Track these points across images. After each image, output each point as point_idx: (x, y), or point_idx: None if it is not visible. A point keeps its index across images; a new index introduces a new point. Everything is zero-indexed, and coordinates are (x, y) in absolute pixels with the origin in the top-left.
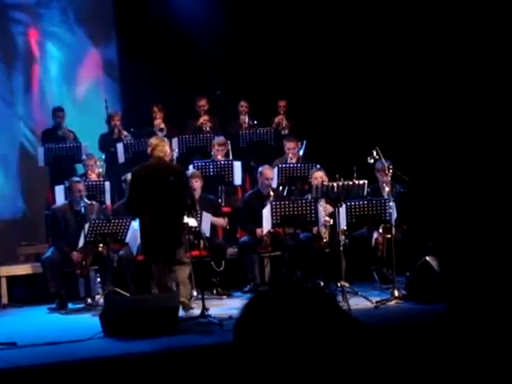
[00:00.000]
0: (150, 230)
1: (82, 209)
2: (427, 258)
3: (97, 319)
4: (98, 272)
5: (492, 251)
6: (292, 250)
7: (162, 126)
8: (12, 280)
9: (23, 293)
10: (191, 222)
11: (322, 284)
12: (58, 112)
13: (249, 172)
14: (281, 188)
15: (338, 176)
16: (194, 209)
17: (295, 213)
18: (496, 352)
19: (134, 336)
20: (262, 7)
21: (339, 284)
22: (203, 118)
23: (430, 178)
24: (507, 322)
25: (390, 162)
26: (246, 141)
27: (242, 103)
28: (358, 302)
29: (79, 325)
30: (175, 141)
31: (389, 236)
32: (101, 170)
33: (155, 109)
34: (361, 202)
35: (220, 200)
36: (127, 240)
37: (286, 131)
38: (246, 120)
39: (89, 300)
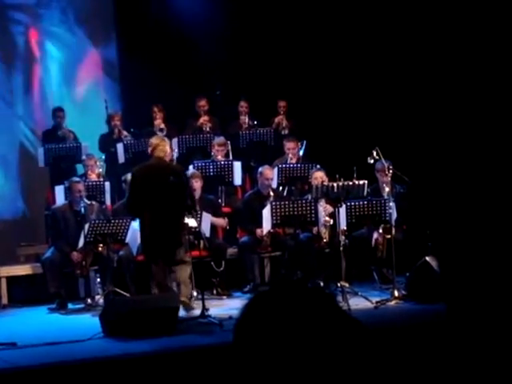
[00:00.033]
0: (150, 229)
1: (82, 209)
2: (427, 258)
3: (97, 319)
4: (97, 272)
5: (492, 251)
6: (292, 250)
7: (162, 126)
8: (12, 280)
9: (23, 293)
10: (191, 222)
11: (321, 284)
12: (58, 112)
13: (249, 172)
14: (281, 188)
15: (337, 176)
16: (194, 209)
17: (295, 213)
18: (496, 352)
19: (133, 336)
20: (261, 7)
21: (339, 284)
22: (203, 119)
23: (430, 178)
24: (507, 321)
25: (390, 162)
26: (246, 141)
27: (242, 103)
28: (358, 302)
29: (79, 325)
30: (175, 141)
31: (389, 236)
32: (101, 170)
33: (155, 109)
34: (361, 203)
35: (220, 200)
36: (127, 240)
37: (286, 131)
38: (246, 120)
39: (89, 300)
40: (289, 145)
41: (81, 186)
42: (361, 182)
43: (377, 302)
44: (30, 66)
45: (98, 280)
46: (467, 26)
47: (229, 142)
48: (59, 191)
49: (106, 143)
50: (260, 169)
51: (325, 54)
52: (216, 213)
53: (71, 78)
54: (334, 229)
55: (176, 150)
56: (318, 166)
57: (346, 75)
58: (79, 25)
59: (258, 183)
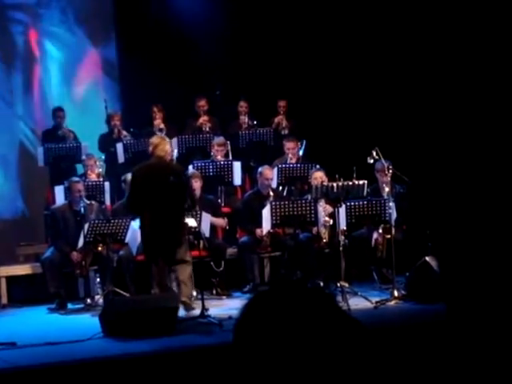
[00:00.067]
0: (151, 229)
1: (82, 209)
2: (427, 258)
3: (96, 319)
4: (97, 272)
5: (492, 251)
6: (292, 250)
7: (162, 126)
8: (11, 280)
9: (23, 293)
10: (191, 222)
11: (321, 284)
12: (58, 112)
13: (248, 172)
14: (280, 188)
15: (337, 176)
16: (194, 209)
17: (295, 213)
18: (496, 352)
19: (133, 336)
20: (261, 7)
21: (339, 284)
22: (203, 119)
23: (430, 178)
24: (507, 321)
25: (390, 162)
26: (246, 141)
27: (242, 103)
28: (358, 302)
29: (79, 325)
30: (175, 141)
31: (388, 236)
32: (100, 170)
33: (155, 109)
34: (360, 203)
35: (220, 200)
36: (127, 240)
37: (286, 131)
38: (246, 120)
39: (88, 300)
40: (288, 145)
41: (80, 186)
42: (360, 182)
43: (376, 302)
44: (30, 66)
45: (98, 280)
46: (467, 26)
47: (228, 142)
48: (59, 191)
49: (106, 143)
50: (260, 169)
51: (325, 53)
52: (216, 213)
53: (71, 77)
54: (333, 229)
55: (175, 150)
56: (318, 166)
57: (346, 75)
58: (79, 25)
59: (257, 183)
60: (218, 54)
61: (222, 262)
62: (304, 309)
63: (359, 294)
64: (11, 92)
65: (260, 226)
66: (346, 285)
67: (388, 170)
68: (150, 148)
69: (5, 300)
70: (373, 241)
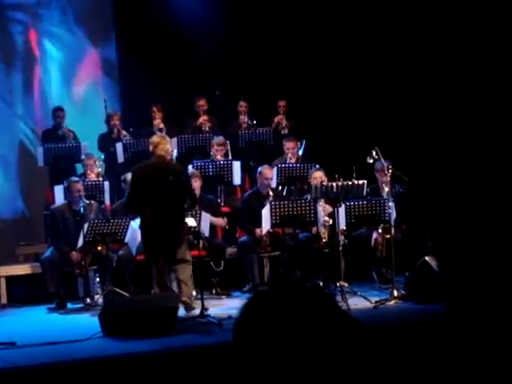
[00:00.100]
0: (151, 229)
1: (81, 208)
2: (426, 258)
3: (96, 319)
4: (97, 272)
5: (491, 251)
6: (291, 250)
7: (162, 126)
8: (11, 280)
9: (22, 293)
10: (190, 221)
11: (321, 284)
12: (58, 112)
13: (248, 172)
14: (280, 188)
15: (337, 176)
16: (194, 208)
17: (294, 213)
18: (496, 352)
19: (133, 336)
20: (261, 7)
21: (338, 284)
22: (202, 118)
23: (430, 178)
24: (507, 321)
25: (390, 162)
26: (246, 141)
27: (242, 103)
28: (357, 302)
29: (78, 325)
30: (174, 141)
31: (388, 236)
32: (100, 169)
33: (154, 109)
34: (360, 202)
35: (219, 200)
36: (126, 240)
37: (286, 131)
38: (246, 120)
39: (88, 300)
40: (288, 144)
41: (80, 186)
42: (360, 182)
43: (376, 302)
44: (30, 66)
45: (98, 280)
46: (467, 26)
47: (228, 142)
48: (58, 191)
49: (106, 143)
50: (259, 168)
51: (324, 53)
52: (215, 212)
53: (71, 77)
54: (333, 229)
55: (175, 150)
56: (318, 166)
57: (346, 75)
58: (79, 25)
59: (257, 183)
60: (218, 53)
61: (222, 262)
62: (304, 309)
63: (359, 293)
64: (11, 92)
65: (259, 225)
66: (346, 285)
67: (388, 169)
68: (151, 147)
69: (4, 300)
70: (372, 241)
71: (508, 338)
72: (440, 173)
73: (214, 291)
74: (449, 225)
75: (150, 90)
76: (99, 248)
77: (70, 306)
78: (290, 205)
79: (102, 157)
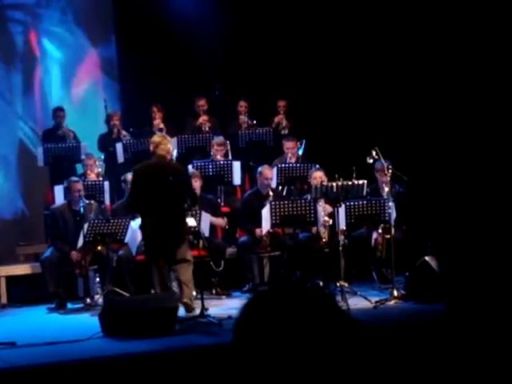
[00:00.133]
0: (152, 229)
1: (82, 208)
2: (426, 258)
3: (96, 319)
4: (97, 272)
5: (491, 251)
6: (291, 250)
7: (162, 126)
8: (11, 280)
9: (22, 293)
10: (190, 221)
11: (321, 284)
12: (58, 112)
13: (248, 172)
14: (280, 188)
15: (337, 176)
16: (195, 207)
17: (294, 213)
18: (496, 352)
19: (133, 336)
20: (261, 7)
21: (338, 284)
22: (202, 118)
23: (430, 177)
24: (507, 321)
25: (390, 161)
26: (246, 141)
27: (242, 103)
28: (357, 302)
29: (78, 325)
30: (174, 141)
31: (388, 236)
32: (100, 169)
33: (154, 109)
34: (360, 202)
35: (219, 200)
36: (126, 240)
37: (286, 131)
38: (246, 120)
39: (88, 300)
40: (288, 144)
41: (80, 186)
42: (360, 182)
43: (376, 302)
44: (30, 66)
45: (98, 280)
46: (467, 26)
47: (228, 142)
48: (58, 191)
49: (105, 143)
50: (259, 168)
51: (324, 53)
52: (215, 212)
53: (71, 77)
54: (333, 229)
55: (175, 150)
56: (318, 166)
57: (346, 75)
58: (79, 25)
59: (257, 183)
60: (218, 53)
61: (222, 262)
62: (304, 309)
63: (359, 293)
64: (11, 91)
65: (259, 225)
66: (346, 284)
67: (387, 169)
68: (152, 147)
69: (4, 300)
70: (372, 241)
71: (508, 337)
72: (440, 173)
73: (214, 291)
74: (449, 224)
75: (149, 90)
76: (99, 248)
77: (69, 305)
78: (290, 205)
79: (102, 157)
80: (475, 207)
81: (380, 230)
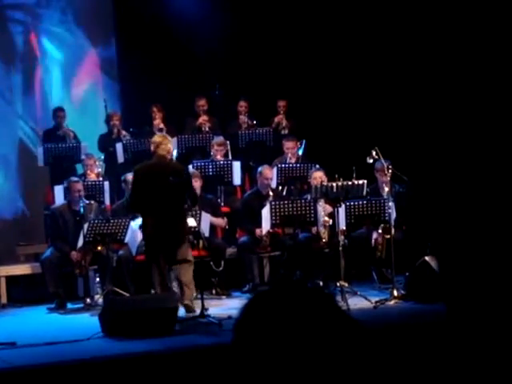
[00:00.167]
0: (153, 229)
1: (81, 209)
2: (426, 258)
3: (96, 319)
4: (97, 272)
5: (491, 251)
6: (291, 250)
7: (162, 126)
8: (11, 280)
9: (22, 293)
10: (191, 222)
11: (321, 284)
12: (58, 112)
13: (248, 172)
14: (280, 188)
15: (337, 176)
16: (195, 206)
17: (294, 213)
18: (496, 352)
19: (133, 336)
20: (261, 7)
21: (338, 284)
22: (202, 118)
23: (430, 177)
24: (507, 321)
25: (390, 161)
26: (246, 141)
27: (242, 103)
28: (357, 302)
29: (78, 325)
30: (174, 141)
31: (388, 236)
32: (100, 169)
33: (154, 109)
34: (360, 202)
35: (219, 200)
36: (126, 240)
37: (286, 131)
38: (246, 120)
39: (88, 300)
40: (288, 144)
41: (80, 186)
42: (360, 182)
43: (376, 302)
44: (30, 66)
45: (98, 280)
46: (467, 26)
47: (228, 142)
48: (58, 191)
49: (105, 143)
50: (259, 168)
51: (324, 53)
52: (215, 213)
53: (71, 77)
54: (333, 229)
55: (175, 150)
56: (318, 166)
57: (346, 75)
58: (79, 25)
59: (257, 183)
60: (218, 53)
61: (222, 262)
62: (304, 309)
63: (359, 293)
64: (11, 90)
65: (259, 225)
66: (346, 284)
67: (387, 169)
68: (152, 147)
69: (4, 300)
70: (372, 241)
71: (508, 337)
72: (440, 173)
73: (214, 291)
74: (448, 224)
75: (149, 90)
76: (99, 248)
77: (69, 306)
78: (290, 205)
79: (102, 157)
80: (475, 207)
81: (380, 230)
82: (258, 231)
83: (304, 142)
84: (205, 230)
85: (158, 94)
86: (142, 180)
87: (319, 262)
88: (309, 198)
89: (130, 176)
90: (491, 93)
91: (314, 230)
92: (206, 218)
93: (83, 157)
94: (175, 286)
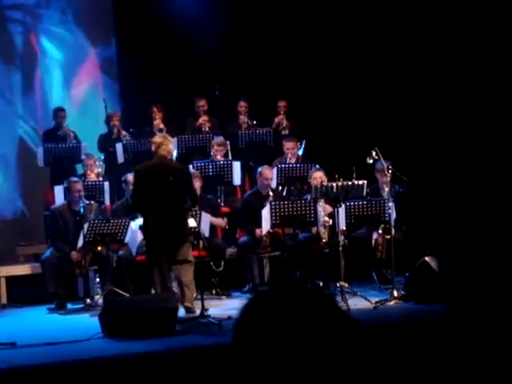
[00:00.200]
0: (154, 229)
1: (81, 209)
2: (426, 259)
3: (96, 319)
4: (97, 272)
5: (491, 251)
6: (291, 250)
7: (162, 126)
8: (11, 280)
9: (22, 293)
10: (191, 222)
11: (321, 284)
12: (58, 112)
13: (248, 172)
14: (280, 188)
15: (337, 176)
16: (195, 206)
17: (294, 213)
18: (496, 352)
19: (133, 336)
20: (261, 7)
21: (338, 284)
22: (202, 118)
23: (430, 178)
24: (507, 321)
25: (390, 162)
26: (246, 141)
27: (242, 103)
28: (357, 303)
29: (78, 325)
30: (174, 141)
31: (388, 237)
32: (100, 170)
33: (154, 109)
34: (360, 203)
35: (219, 200)
36: (126, 240)
37: (287, 131)
38: (246, 120)
39: (88, 300)
40: (288, 144)
41: (80, 186)
42: (360, 182)
43: (376, 302)
44: (30, 66)
45: (98, 280)
46: (467, 26)
47: (228, 142)
48: (58, 191)
49: (105, 143)
50: (259, 169)
51: (324, 54)
52: (215, 213)
53: (71, 78)
54: (333, 229)
55: (175, 150)
56: (318, 166)
57: (346, 75)
58: (79, 25)
59: (257, 183)
60: (218, 53)
61: (222, 262)
62: (304, 309)
63: (359, 294)
64: (11, 90)
65: (259, 226)
66: (346, 285)
67: (388, 170)
68: (153, 147)
69: (4, 300)
70: (372, 241)
71: (508, 337)
72: (440, 173)
73: (214, 291)
74: (449, 225)
75: (149, 90)
76: (99, 248)
77: (69, 306)
78: (290, 205)
79: (102, 157)
80: (475, 207)
81: (380, 231)
82: (258, 231)
83: (304, 142)
84: (205, 230)
85: (158, 94)
86: (143, 180)
87: (319, 263)
88: (309, 198)
89: (130, 176)
90: (491, 93)
91: (314, 230)
92: (206, 218)
93: (83, 157)
94: (175, 287)
